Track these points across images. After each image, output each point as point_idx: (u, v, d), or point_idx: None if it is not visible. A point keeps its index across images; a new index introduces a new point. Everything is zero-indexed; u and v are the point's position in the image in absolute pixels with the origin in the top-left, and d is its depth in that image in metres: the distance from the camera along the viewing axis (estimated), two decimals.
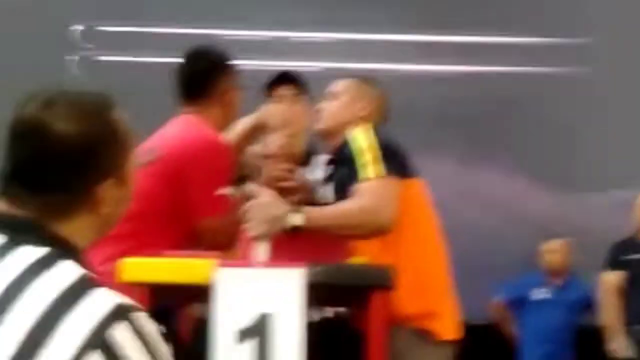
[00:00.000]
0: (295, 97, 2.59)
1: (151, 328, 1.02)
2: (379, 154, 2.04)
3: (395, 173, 2.03)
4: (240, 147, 2.51)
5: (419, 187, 2.18)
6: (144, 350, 0.99)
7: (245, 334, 1.77)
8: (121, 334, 0.98)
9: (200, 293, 1.82)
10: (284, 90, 2.60)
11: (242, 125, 2.51)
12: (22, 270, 1.02)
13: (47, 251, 1.04)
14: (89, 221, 1.10)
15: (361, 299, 1.88)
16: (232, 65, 2.46)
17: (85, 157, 1.08)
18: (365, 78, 2.39)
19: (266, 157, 2.40)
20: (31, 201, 1.07)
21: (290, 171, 2.39)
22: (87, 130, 1.08)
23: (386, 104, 2.36)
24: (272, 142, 2.40)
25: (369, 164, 2.01)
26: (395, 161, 2.06)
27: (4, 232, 1.06)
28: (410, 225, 2.07)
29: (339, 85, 2.34)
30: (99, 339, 0.96)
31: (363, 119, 2.23)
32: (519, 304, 4.69)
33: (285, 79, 2.62)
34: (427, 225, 2.18)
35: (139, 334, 1.00)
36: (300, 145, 2.62)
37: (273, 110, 2.51)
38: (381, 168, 2.01)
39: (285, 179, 2.33)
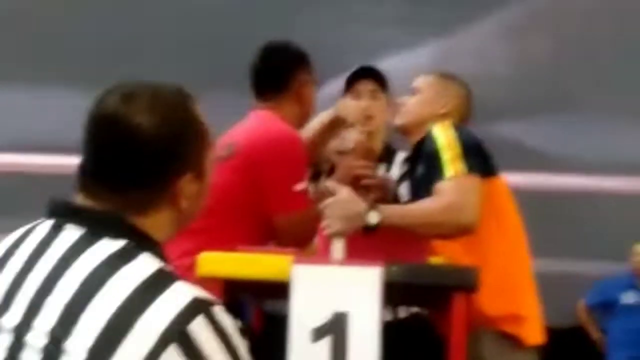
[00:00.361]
0: (375, 93, 2.55)
1: (228, 322, 1.01)
2: (460, 151, 1.97)
3: (477, 171, 1.96)
4: (318, 143, 2.48)
5: (502, 185, 2.11)
6: (221, 344, 0.98)
7: (320, 332, 1.73)
8: (199, 327, 0.97)
9: (276, 289, 1.80)
10: (364, 86, 2.56)
11: (319, 120, 2.48)
12: (101, 263, 1.02)
13: (125, 244, 1.04)
14: (168, 215, 1.10)
15: (443, 300, 1.83)
16: (308, 60, 2.43)
17: (165, 152, 1.07)
18: (448, 75, 2.32)
19: (343, 153, 2.36)
20: (111, 195, 1.07)
21: (368, 168, 2.34)
22: (167, 124, 1.08)
23: (469, 102, 2.29)
24: (350, 138, 2.35)
25: (450, 162, 1.95)
26: (478, 159, 2.00)
27: (83, 225, 1.06)
28: (493, 224, 2.00)
29: (420, 81, 2.28)
30: (177, 332, 0.95)
31: (444, 116, 2.16)
32: (608, 307, 4.56)
33: (365, 74, 2.57)
34: (511, 224, 2.10)
35: (217, 328, 0.98)
36: (378, 142, 2.58)
37: (351, 105, 2.46)
38: (463, 166, 1.95)
39: (363, 176, 2.28)
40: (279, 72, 2.39)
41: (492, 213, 1.99)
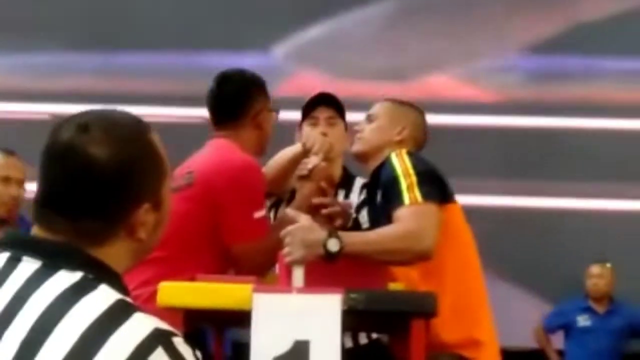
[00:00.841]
0: (332, 120, 2.57)
1: (188, 353, 1.00)
2: (416, 179, 2.00)
3: (433, 198, 1.99)
4: (284, 177, 2.49)
5: (457, 211, 2.14)
6: None
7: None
8: (159, 359, 0.96)
9: (237, 318, 1.80)
10: (321, 113, 2.58)
11: (283, 155, 2.50)
12: (57, 297, 1.00)
13: (82, 276, 1.02)
14: (125, 247, 1.09)
15: (402, 326, 1.84)
16: (263, 88, 2.45)
17: (120, 182, 1.06)
18: (403, 101, 2.36)
19: (301, 178, 2.38)
20: (66, 227, 1.06)
21: (327, 194, 2.36)
22: (123, 155, 1.07)
23: (424, 127, 2.32)
24: (308, 164, 2.37)
25: (408, 190, 1.98)
26: (434, 186, 2.02)
27: (39, 258, 1.04)
28: (450, 250, 2.03)
29: (376, 108, 2.31)
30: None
31: (400, 143, 2.19)
32: (565, 329, 4.63)
33: (322, 101, 2.60)
34: (467, 250, 2.13)
35: (176, 359, 0.98)
36: (338, 168, 2.60)
37: (314, 135, 2.49)
38: (420, 193, 1.97)
39: (322, 204, 2.30)
40: (235, 101, 2.39)
41: (448, 239, 2.01)
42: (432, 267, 1.98)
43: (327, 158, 2.40)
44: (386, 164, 2.08)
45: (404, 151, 2.11)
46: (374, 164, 2.19)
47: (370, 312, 1.85)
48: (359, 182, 2.60)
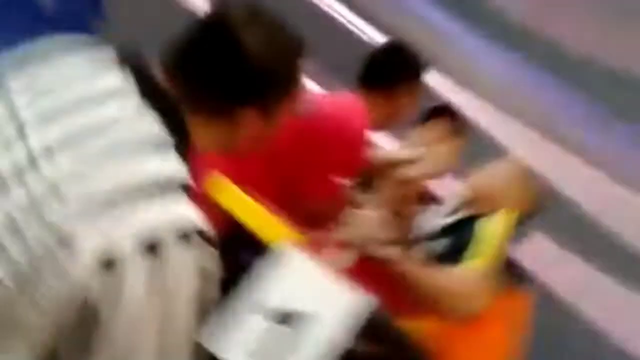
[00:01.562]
0: (449, 134, 2.46)
1: (209, 265, 0.96)
2: (501, 253, 1.89)
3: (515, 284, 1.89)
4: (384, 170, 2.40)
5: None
6: (185, 283, 0.95)
7: (271, 314, 1.65)
8: (176, 252, 0.93)
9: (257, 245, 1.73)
10: (442, 125, 2.47)
11: (400, 153, 2.40)
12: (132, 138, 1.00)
13: (162, 134, 1.00)
14: (220, 135, 1.09)
15: None
16: (423, 76, 2.36)
17: (258, 75, 1.06)
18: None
19: (402, 182, 2.28)
20: (186, 89, 1.06)
21: (410, 207, 2.26)
22: (273, 52, 1.07)
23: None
24: (415, 170, 2.28)
25: (487, 257, 1.87)
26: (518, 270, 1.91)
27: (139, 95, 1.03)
28: None
29: None
30: (155, 242, 0.92)
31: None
32: None
33: (444, 111, 2.49)
34: None
35: (192, 263, 0.95)
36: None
37: (431, 144, 2.39)
38: (492, 270, 1.86)
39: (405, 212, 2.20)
40: (391, 72, 2.33)
41: None
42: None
43: (432, 172, 2.31)
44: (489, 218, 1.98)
45: (511, 216, 2.01)
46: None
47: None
48: (445, 209, 2.50)
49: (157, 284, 0.91)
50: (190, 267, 0.95)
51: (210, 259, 0.98)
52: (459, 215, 2.24)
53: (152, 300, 0.91)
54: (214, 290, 1.01)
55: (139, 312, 0.90)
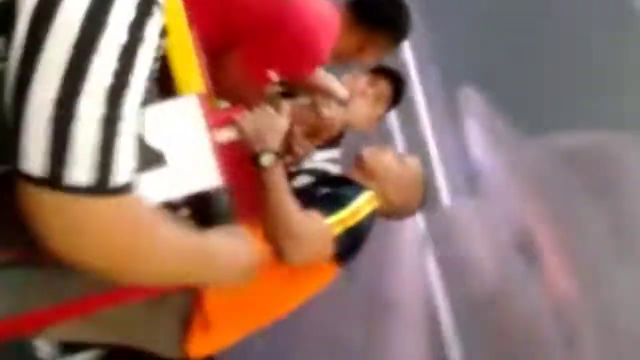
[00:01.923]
0: (381, 98, 2.53)
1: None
2: (357, 232, 1.95)
3: (340, 260, 1.94)
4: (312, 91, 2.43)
5: None
6: None
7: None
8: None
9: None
10: (384, 87, 2.54)
11: (329, 82, 2.43)
12: None
13: None
14: None
15: None
16: (402, 40, 2.39)
17: None
18: None
19: (324, 117, 2.32)
20: None
21: (314, 142, 2.30)
22: None
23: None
24: (327, 110, 2.32)
25: (343, 222, 1.92)
26: (353, 252, 1.98)
27: None
28: None
29: None
30: None
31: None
32: None
33: (389, 75, 2.56)
34: None
35: None
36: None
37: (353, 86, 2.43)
38: (341, 235, 1.91)
39: (295, 143, 2.22)
40: (374, 19, 2.35)
41: None
42: None
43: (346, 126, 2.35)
44: (360, 195, 2.03)
45: (378, 196, 2.06)
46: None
47: None
48: (333, 153, 2.56)
49: None
50: None
51: None
52: (338, 170, 2.31)
53: None
54: None
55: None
